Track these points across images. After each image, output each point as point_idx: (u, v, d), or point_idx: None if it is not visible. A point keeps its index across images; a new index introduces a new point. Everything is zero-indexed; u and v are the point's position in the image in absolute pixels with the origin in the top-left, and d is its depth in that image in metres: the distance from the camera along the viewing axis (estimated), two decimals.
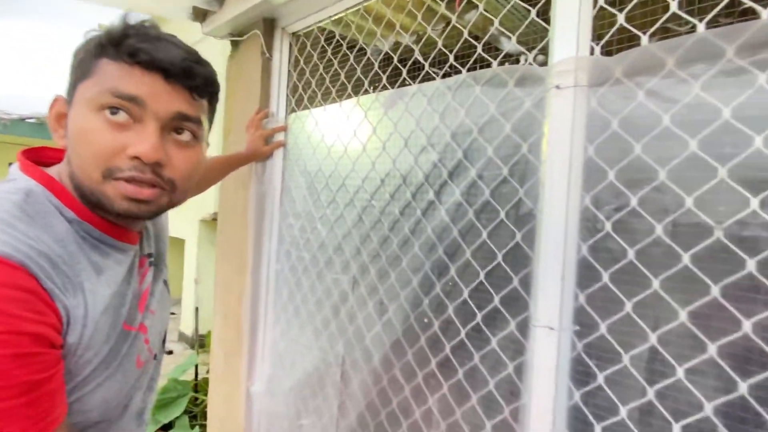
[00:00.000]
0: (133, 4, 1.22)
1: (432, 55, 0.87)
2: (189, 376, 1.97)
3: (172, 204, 0.50)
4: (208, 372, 2.26)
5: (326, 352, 1.08)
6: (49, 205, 0.45)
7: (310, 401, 1.11)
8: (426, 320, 0.85)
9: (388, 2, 0.99)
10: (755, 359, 0.51)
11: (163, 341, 0.64)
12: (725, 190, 0.53)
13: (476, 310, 0.78)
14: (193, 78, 0.47)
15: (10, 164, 0.52)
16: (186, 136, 0.48)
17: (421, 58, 0.89)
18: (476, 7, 0.78)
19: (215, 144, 1.48)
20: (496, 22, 0.76)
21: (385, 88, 0.97)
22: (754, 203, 0.51)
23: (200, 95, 0.49)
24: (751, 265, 0.51)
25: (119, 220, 0.49)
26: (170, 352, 3.50)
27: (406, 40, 0.92)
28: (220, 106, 1.58)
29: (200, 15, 1.33)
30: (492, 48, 0.81)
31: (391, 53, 0.96)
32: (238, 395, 1.30)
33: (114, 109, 0.44)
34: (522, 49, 0.74)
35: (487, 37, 0.78)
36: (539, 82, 0.70)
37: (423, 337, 0.86)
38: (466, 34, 0.81)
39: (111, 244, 0.49)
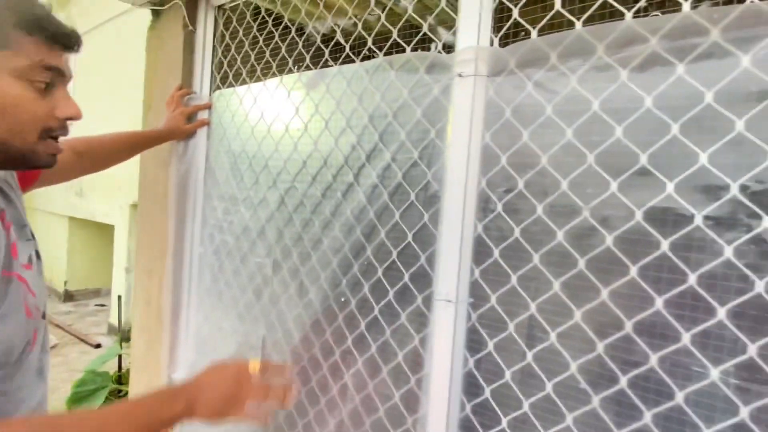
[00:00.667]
0: None
1: (353, 37, 0.88)
2: (111, 368, 1.85)
3: None
4: None
5: (248, 335, 1.07)
6: None
7: None
8: (343, 299, 0.87)
9: None
10: (610, 322, 0.58)
11: (45, 306, 0.63)
12: (592, 175, 0.60)
13: (389, 287, 0.81)
14: (79, 46, 0.55)
15: None
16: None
17: (342, 40, 0.89)
18: None
19: (135, 120, 1.38)
20: (410, 8, 0.78)
21: (308, 68, 0.96)
22: (614, 186, 0.58)
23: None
24: (609, 240, 0.58)
25: None
26: (98, 346, 3.26)
27: (329, 20, 0.92)
28: (140, 81, 1.46)
29: None
30: (412, 33, 0.83)
31: (314, 33, 0.95)
32: (159, 383, 1.25)
33: (43, 82, 0.51)
34: (433, 36, 0.76)
35: (402, 23, 0.80)
36: (446, 69, 0.73)
37: (340, 315, 0.88)
38: (383, 19, 0.82)
39: None
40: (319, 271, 0.92)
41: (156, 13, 1.32)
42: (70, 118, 0.54)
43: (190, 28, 1.20)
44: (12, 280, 0.52)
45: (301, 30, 1.01)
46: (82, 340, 3.36)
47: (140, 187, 1.37)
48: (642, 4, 0.56)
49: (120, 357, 1.87)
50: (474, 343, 0.72)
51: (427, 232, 0.76)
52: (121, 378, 1.79)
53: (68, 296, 4.61)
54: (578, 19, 0.61)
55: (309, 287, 0.95)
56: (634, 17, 0.56)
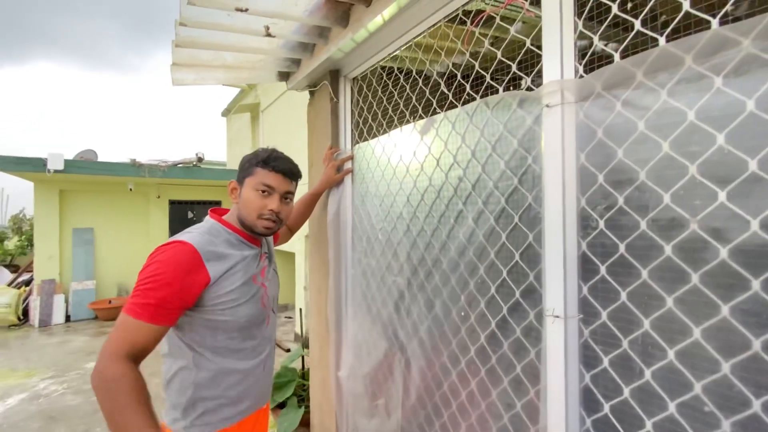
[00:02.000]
0: (236, 79, 1.63)
1: (454, 86, 1.02)
2: (297, 366, 2.36)
3: (279, 228, 1.03)
4: None
5: (392, 342, 1.27)
6: (220, 228, 0.98)
7: (382, 384, 1.31)
8: (463, 313, 0.99)
9: (427, 43, 1.17)
10: (735, 341, 0.55)
11: (276, 304, 1.12)
12: (697, 186, 0.58)
13: (502, 303, 0.89)
14: (293, 175, 1.02)
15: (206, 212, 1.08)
16: (287, 200, 1.02)
17: (445, 89, 1.05)
18: (485, 39, 0.92)
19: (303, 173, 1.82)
20: (499, 53, 0.88)
21: (421, 117, 1.15)
22: (722, 196, 0.55)
23: (294, 180, 1.03)
24: (724, 253, 0.55)
25: (254, 236, 1.02)
26: (288, 350, 4.09)
27: (434, 75, 1.09)
28: (304, 144, 1.90)
29: (284, 76, 1.69)
30: (504, 73, 0.92)
31: (423, 87, 1.14)
32: (329, 380, 1.58)
33: (263, 191, 0.98)
34: (521, 74, 0.84)
35: (494, 66, 0.90)
36: (536, 101, 0.81)
37: (463, 328, 1.00)
38: (477, 67, 0.94)
39: (248, 244, 1.01)
40: (441, 287, 1.06)
41: (312, 93, 1.74)
42: (271, 210, 0.97)
43: (335, 99, 1.55)
44: (255, 286, 0.99)
45: (413, 84, 1.21)
46: (278, 345, 4.27)
47: (309, 225, 1.78)
48: (729, 7, 0.54)
49: (303, 358, 2.37)
50: (589, 358, 0.73)
51: (533, 251, 0.82)
52: (304, 375, 2.27)
53: None
54: (661, 34, 0.61)
55: (434, 302, 1.09)
56: (721, 24, 0.54)
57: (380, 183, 1.32)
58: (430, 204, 1.10)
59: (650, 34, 0.63)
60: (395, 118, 1.27)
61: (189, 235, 0.91)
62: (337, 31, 1.29)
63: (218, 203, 8.02)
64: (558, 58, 0.75)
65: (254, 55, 1.46)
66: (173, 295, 0.82)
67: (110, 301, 6.12)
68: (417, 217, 1.16)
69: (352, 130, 1.53)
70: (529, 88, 0.83)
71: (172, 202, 7.44)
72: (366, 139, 1.43)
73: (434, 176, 1.08)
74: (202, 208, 7.85)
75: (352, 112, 1.53)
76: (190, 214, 7.71)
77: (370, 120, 1.41)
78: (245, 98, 7.09)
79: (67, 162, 5.20)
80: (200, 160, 6.70)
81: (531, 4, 0.87)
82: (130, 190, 6.68)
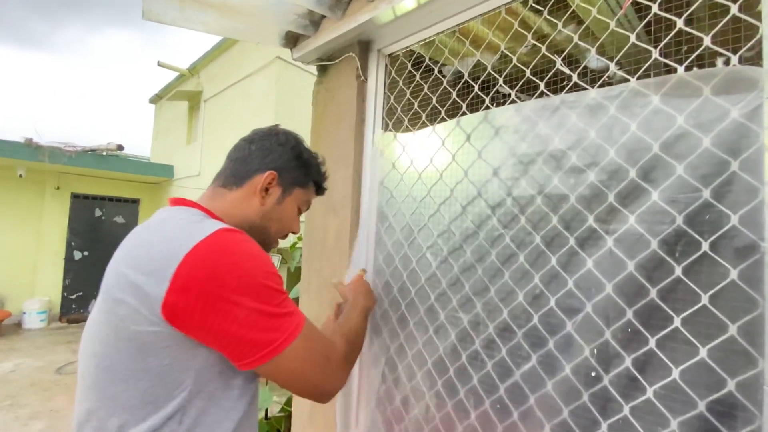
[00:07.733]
0: (227, 31, 1.21)
1: (582, 65, 0.77)
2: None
3: None
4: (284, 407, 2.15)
5: (449, 397, 0.95)
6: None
7: None
8: (594, 374, 0.71)
9: (512, 12, 0.91)
10: None
11: None
12: None
13: (670, 364, 0.63)
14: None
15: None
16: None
17: (566, 69, 0.79)
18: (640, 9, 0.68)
19: None
20: (680, 22, 0.65)
21: (514, 102, 0.88)
22: None
23: None
24: None
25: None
26: None
27: (543, 49, 0.83)
28: (307, 131, 1.50)
29: (292, 41, 1.31)
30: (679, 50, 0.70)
31: (522, 66, 0.87)
32: None
33: (300, 210, 0.84)
34: (723, 51, 0.62)
35: (666, 41, 0.67)
36: (751, 87, 0.58)
37: (586, 394, 0.72)
38: (633, 38, 0.70)
39: None
40: (546, 334, 0.78)
41: (323, 69, 1.38)
42: (294, 233, 0.84)
43: (363, 78, 1.22)
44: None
45: (503, 58, 0.95)
46: None
47: (305, 235, 1.38)
48: None
49: (268, 411, 1.86)
50: None
51: (738, 295, 0.58)
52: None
53: None
54: None
55: (529, 356, 0.80)
56: None
57: (436, 186, 1.02)
58: (536, 220, 0.82)
59: None
60: (463, 104, 0.98)
61: (221, 223, 0.65)
62: None
63: (136, 201, 6.92)
64: None
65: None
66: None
67: None
68: (503, 234, 0.87)
69: (383, 118, 1.20)
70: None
71: (75, 196, 6.22)
72: (408, 129, 1.12)
73: (549, 182, 0.81)
74: (113, 205, 6.71)
75: (386, 95, 1.21)
76: (98, 212, 6.52)
77: (416, 106, 1.11)
78: (183, 84, 6.26)
79: None
80: (120, 148, 5.70)
81: None
82: (20, 176, 5.42)
